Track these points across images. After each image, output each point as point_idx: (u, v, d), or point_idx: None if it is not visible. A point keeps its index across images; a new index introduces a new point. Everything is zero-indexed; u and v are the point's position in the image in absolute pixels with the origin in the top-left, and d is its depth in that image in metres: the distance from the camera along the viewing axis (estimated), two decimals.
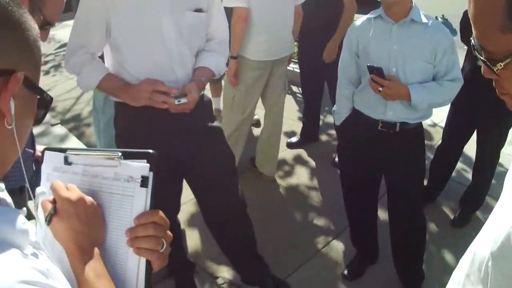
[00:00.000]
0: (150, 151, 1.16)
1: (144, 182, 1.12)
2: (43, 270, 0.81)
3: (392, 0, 2.81)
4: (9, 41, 0.83)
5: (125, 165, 1.14)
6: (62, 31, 10.37)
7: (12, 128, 0.85)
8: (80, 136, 5.99)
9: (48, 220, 1.09)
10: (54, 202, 1.11)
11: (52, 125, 6.05)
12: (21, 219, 0.86)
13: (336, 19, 4.84)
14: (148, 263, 1.13)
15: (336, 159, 5.10)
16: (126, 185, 1.13)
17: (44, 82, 7.68)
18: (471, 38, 1.02)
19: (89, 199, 1.11)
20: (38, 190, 1.20)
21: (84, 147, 5.42)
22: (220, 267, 3.76)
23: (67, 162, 1.20)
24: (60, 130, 5.97)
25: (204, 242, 4.00)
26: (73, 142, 5.60)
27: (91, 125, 6.05)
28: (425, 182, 3.69)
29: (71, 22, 2.80)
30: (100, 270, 1.06)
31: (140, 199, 1.12)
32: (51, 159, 1.22)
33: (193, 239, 4.06)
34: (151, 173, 1.13)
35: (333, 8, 4.80)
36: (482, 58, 0.99)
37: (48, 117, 6.36)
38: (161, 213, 1.14)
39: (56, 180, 1.17)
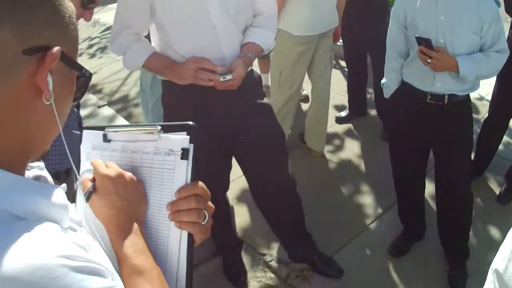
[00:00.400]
0: (190, 123, 1.14)
1: (184, 154, 1.12)
2: (83, 244, 0.82)
3: None
4: (43, 18, 0.83)
5: (165, 139, 1.14)
6: (106, 15, 10.50)
7: (51, 104, 0.86)
8: (128, 117, 6.06)
9: (87, 197, 1.10)
10: (94, 180, 1.12)
11: (99, 106, 6.13)
12: (59, 194, 0.87)
13: None
14: (190, 236, 1.13)
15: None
16: (167, 159, 1.13)
17: (90, 65, 7.79)
18: None
19: (128, 175, 1.11)
20: (83, 168, 1.22)
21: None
22: (268, 245, 3.78)
23: (106, 139, 1.20)
24: (107, 111, 6.07)
25: (253, 220, 4.02)
26: (121, 123, 5.66)
27: (138, 105, 6.11)
28: (472, 157, 3.63)
29: (115, 5, 2.81)
30: (140, 245, 1.06)
31: (181, 172, 1.12)
32: (89, 138, 1.23)
33: (241, 217, 4.09)
34: (191, 145, 1.12)
35: None
36: None
37: (95, 99, 6.47)
38: (202, 184, 1.13)
39: (95, 158, 1.18)
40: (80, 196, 1.17)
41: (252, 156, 3.01)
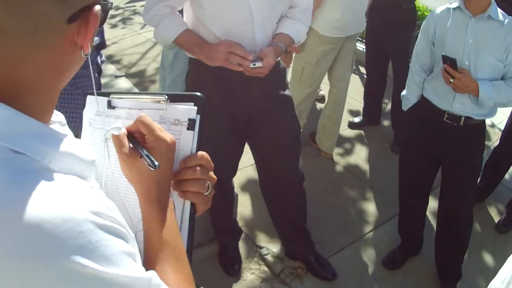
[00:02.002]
0: (198, 93, 1.15)
1: (191, 124, 1.12)
2: (108, 204, 0.83)
3: None
4: None
5: (172, 108, 1.14)
6: None
7: (87, 55, 0.88)
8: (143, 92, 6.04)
9: (153, 163, 1.02)
10: (132, 138, 1.09)
11: (117, 77, 6.15)
12: (89, 151, 0.89)
13: (407, 2, 4.81)
14: (193, 206, 1.14)
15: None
16: (173, 128, 1.13)
17: (111, 35, 7.81)
18: None
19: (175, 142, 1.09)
20: (85, 133, 1.21)
21: None
22: (266, 238, 3.81)
23: (110, 106, 1.18)
24: (124, 83, 6.11)
25: (255, 210, 4.06)
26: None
27: (155, 82, 6.15)
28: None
29: None
30: (172, 219, 1.06)
31: (187, 142, 1.13)
32: (93, 104, 1.20)
33: (244, 207, 4.12)
34: (198, 116, 1.13)
35: None
36: None
37: (113, 69, 6.48)
38: (206, 155, 1.14)
39: (98, 125, 1.19)
40: (108, 152, 1.15)
41: (266, 144, 3.05)
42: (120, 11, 9.62)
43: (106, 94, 1.19)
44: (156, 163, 1.02)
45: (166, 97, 1.13)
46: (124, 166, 1.09)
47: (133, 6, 9.84)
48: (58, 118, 0.98)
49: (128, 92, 1.20)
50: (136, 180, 1.08)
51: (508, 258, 1.20)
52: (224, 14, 2.61)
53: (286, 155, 3.09)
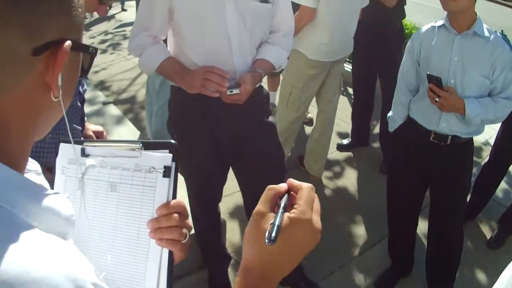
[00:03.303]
0: (172, 141, 1.13)
1: (166, 172, 1.11)
2: (87, 263, 0.76)
3: (455, 9, 2.80)
4: (51, 11, 0.77)
5: (147, 156, 1.12)
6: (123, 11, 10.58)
7: (58, 99, 0.82)
8: (133, 119, 6.06)
9: (275, 236, 0.93)
10: (280, 203, 1.03)
11: (104, 103, 6.14)
12: (68, 205, 0.83)
13: (392, 19, 4.86)
14: (171, 254, 1.12)
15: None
16: (148, 176, 1.12)
17: (100, 61, 7.81)
18: None
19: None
20: (57, 182, 1.18)
21: (137, 130, 5.51)
22: None
23: (84, 154, 1.16)
24: (114, 111, 6.04)
25: (243, 235, 3.99)
26: (127, 124, 5.67)
27: (145, 108, 6.16)
28: (467, 199, 3.70)
29: (132, 3, 2.85)
30: None
31: (163, 190, 1.11)
32: (66, 151, 1.18)
33: (233, 232, 4.09)
34: (174, 163, 1.11)
35: (393, 11, 4.77)
36: None
37: (102, 96, 6.49)
38: (183, 203, 1.12)
39: (71, 173, 1.16)
40: (82, 195, 1.13)
41: (250, 172, 3.03)
42: (109, 36, 9.66)
43: (80, 142, 1.18)
44: (273, 238, 0.92)
45: (141, 144, 1.12)
46: (251, 222, 1.05)
47: (123, 31, 9.88)
48: (33, 167, 0.94)
49: (102, 140, 1.20)
50: (249, 248, 1.03)
51: (500, 276, 1.20)
52: (202, 42, 2.63)
53: (270, 182, 3.05)
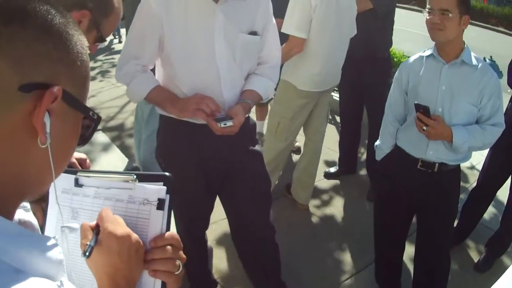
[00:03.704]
0: (167, 174, 1.14)
1: (160, 204, 1.11)
2: None
3: (443, 40, 2.85)
4: (45, 52, 0.78)
5: (141, 188, 1.13)
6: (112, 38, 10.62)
7: (46, 148, 0.81)
8: (121, 146, 6.05)
9: (89, 252, 1.02)
10: (95, 229, 1.07)
11: None
12: (55, 248, 0.82)
13: (380, 48, 4.89)
14: (164, 285, 1.12)
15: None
16: (142, 208, 1.12)
17: (90, 88, 7.78)
18: None
19: (135, 236, 1.06)
20: (50, 212, 1.20)
21: (125, 158, 5.50)
22: None
23: (77, 184, 1.18)
24: (102, 138, 6.05)
25: (231, 263, 4.01)
26: (115, 151, 5.67)
27: (133, 136, 6.17)
28: (455, 224, 3.73)
29: (122, 30, 2.87)
30: None
31: (157, 222, 1.12)
32: (60, 181, 1.15)
33: (220, 259, 4.07)
34: (168, 195, 1.12)
35: (377, 37, 4.84)
36: None
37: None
38: (176, 235, 1.13)
39: (65, 202, 1.17)
40: (64, 243, 1.14)
41: (237, 200, 3.03)
42: (98, 63, 9.66)
43: (73, 172, 1.18)
44: (87, 252, 1.02)
45: (135, 176, 1.13)
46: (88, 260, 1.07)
47: (112, 58, 9.89)
48: (22, 203, 0.93)
49: (96, 171, 1.20)
50: (94, 274, 1.06)
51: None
52: (191, 72, 2.65)
53: (257, 211, 3.08)
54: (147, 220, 1.12)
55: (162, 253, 1.09)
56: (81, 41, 0.87)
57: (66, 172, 1.16)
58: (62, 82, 0.81)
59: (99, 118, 0.93)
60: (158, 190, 1.12)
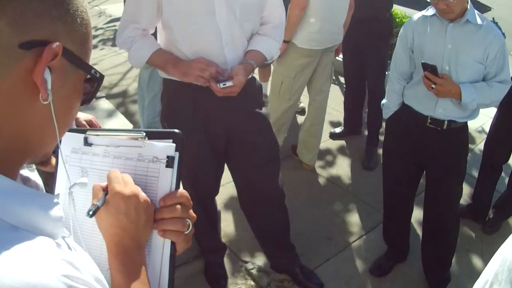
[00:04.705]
0: (176, 130, 1.12)
1: (169, 162, 1.10)
2: (78, 265, 0.76)
3: (452, 17, 2.86)
4: (44, 10, 0.77)
5: (150, 145, 1.11)
6: (113, 6, 10.52)
7: (49, 104, 0.80)
8: (125, 113, 6.01)
9: (93, 212, 1.02)
10: (105, 190, 1.06)
11: (97, 98, 6.12)
12: (56, 206, 0.81)
13: (381, 11, 4.86)
14: (173, 245, 1.10)
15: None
16: (151, 166, 1.11)
17: (92, 56, 7.75)
18: None
19: (143, 196, 1.05)
20: (60, 172, 1.18)
21: (129, 124, 5.49)
22: (251, 253, 3.77)
23: (87, 143, 1.16)
24: (105, 105, 6.01)
25: (238, 226, 4.01)
26: (119, 117, 5.65)
27: (136, 101, 6.13)
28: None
29: None
30: (139, 273, 1.02)
31: (166, 180, 1.10)
32: (69, 140, 1.17)
33: (227, 223, 4.08)
34: (177, 153, 1.10)
35: (380, 1, 4.83)
36: None
37: None
38: (186, 193, 1.11)
39: (74, 162, 1.17)
40: (74, 205, 1.08)
41: (243, 164, 3.03)
42: (99, 31, 9.58)
43: (83, 131, 1.17)
44: (91, 211, 1.02)
45: (144, 134, 1.11)
46: (95, 218, 1.06)
47: (113, 25, 9.80)
48: None
49: (105, 129, 1.16)
50: (103, 233, 1.07)
51: (491, 259, 1.20)
52: (192, 35, 2.63)
53: (265, 175, 3.07)
54: (156, 178, 1.10)
55: (172, 212, 1.08)
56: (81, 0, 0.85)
57: (75, 131, 1.17)
58: (62, 39, 0.79)
59: (101, 76, 0.91)
60: (167, 147, 1.10)
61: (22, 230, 0.72)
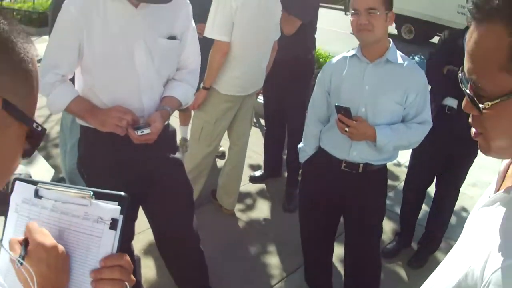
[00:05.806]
0: (123, 194, 1.14)
1: (113, 224, 1.11)
2: None
3: (372, 40, 2.81)
4: None
5: (96, 206, 1.13)
6: (39, 46, 10.30)
7: None
8: (46, 157, 5.88)
9: (22, 259, 1.04)
10: (24, 243, 1.07)
11: None
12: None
13: (305, 53, 4.91)
14: None
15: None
16: (95, 226, 1.12)
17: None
18: (459, 72, 0.99)
19: (61, 247, 1.08)
20: (11, 219, 1.20)
21: (51, 168, 5.37)
22: None
23: (37, 195, 1.17)
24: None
25: (159, 271, 3.94)
26: (39, 161, 5.51)
27: (58, 146, 6.04)
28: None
29: (47, 37, 2.80)
30: None
31: (108, 241, 1.11)
32: (21, 190, 1.19)
33: (148, 267, 4.00)
34: (121, 216, 1.12)
35: (302, 43, 4.85)
36: (468, 92, 0.96)
37: None
38: (127, 256, 1.12)
39: (24, 212, 1.17)
40: (3, 253, 1.12)
41: (159, 209, 3.01)
42: None
43: (35, 182, 1.18)
44: (20, 262, 1.03)
45: (92, 193, 1.13)
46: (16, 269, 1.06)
47: (39, 66, 9.66)
48: None
49: (56, 184, 1.15)
50: (22, 283, 1.06)
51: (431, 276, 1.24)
52: (111, 80, 2.64)
53: (181, 220, 3.07)
54: (99, 238, 1.12)
55: (111, 273, 1.10)
56: (26, 49, 0.83)
57: (28, 181, 1.19)
58: (4, 91, 0.78)
59: (43, 130, 0.88)
60: (112, 209, 1.13)
61: None
